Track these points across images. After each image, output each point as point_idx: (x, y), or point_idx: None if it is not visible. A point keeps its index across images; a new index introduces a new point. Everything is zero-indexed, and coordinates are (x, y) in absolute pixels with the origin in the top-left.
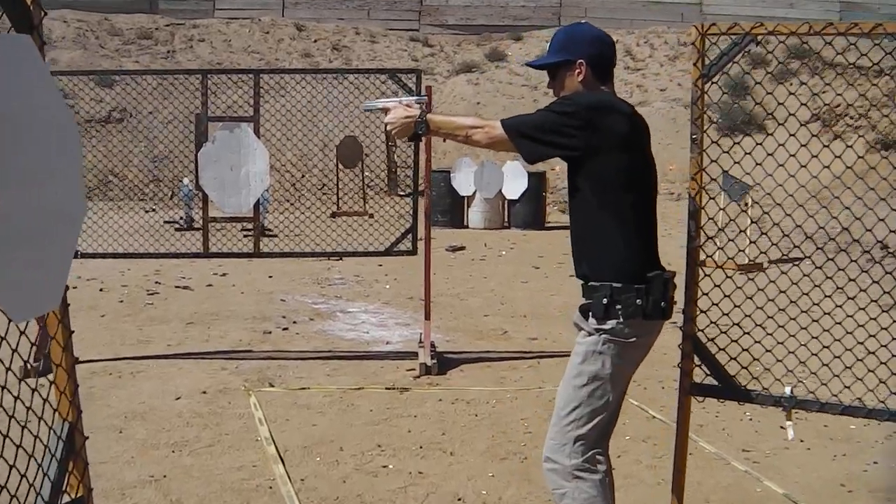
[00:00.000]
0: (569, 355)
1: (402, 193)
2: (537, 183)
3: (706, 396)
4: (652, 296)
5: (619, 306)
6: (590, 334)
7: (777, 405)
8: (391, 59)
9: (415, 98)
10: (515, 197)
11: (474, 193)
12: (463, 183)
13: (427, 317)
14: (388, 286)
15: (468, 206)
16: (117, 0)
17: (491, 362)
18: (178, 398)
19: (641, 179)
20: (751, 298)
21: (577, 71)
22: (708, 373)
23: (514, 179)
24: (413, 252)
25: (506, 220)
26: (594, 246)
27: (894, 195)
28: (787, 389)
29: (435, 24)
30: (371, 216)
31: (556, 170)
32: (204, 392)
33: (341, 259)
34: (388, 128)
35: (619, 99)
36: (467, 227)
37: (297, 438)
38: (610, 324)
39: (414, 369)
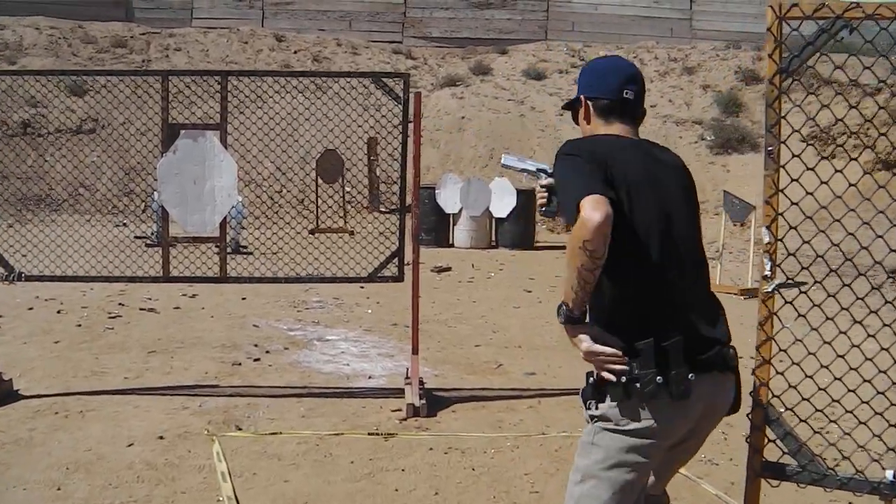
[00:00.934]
0: (571, 392)
1: (384, 210)
2: (526, 201)
3: (782, 480)
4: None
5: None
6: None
7: (875, 493)
8: (373, 71)
9: (544, 175)
10: (503, 215)
11: (460, 211)
12: (448, 200)
13: (415, 351)
14: (369, 310)
15: (454, 225)
16: (91, 7)
17: (486, 401)
18: (131, 444)
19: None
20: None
21: (582, 109)
22: (785, 450)
23: (502, 197)
24: (399, 278)
25: (493, 239)
26: None
27: None
28: (889, 473)
29: (418, 37)
30: (352, 233)
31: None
32: (161, 437)
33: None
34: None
35: (618, 139)
36: (453, 246)
37: (266, 499)
38: (602, 408)
39: (400, 410)
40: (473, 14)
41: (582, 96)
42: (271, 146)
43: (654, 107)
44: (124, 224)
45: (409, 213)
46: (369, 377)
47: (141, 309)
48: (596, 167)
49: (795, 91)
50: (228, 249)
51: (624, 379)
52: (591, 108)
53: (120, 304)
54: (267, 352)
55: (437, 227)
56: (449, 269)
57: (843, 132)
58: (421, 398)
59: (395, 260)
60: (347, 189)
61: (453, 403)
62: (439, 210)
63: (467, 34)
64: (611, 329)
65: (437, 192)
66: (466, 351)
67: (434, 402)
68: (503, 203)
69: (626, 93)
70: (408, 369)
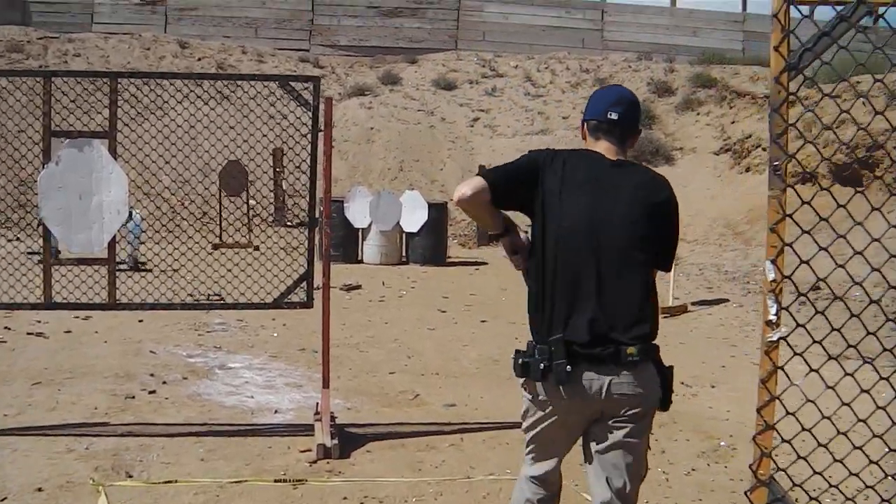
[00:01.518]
0: (495, 427)
1: (290, 224)
2: (438, 215)
3: None
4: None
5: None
6: None
7: None
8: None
9: None
10: (415, 230)
11: (370, 225)
12: (357, 214)
13: (325, 384)
14: (275, 333)
15: (363, 240)
16: None
17: (404, 438)
18: (4, 500)
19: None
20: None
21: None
22: None
23: (413, 211)
24: (308, 304)
25: (404, 254)
26: None
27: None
28: None
29: (326, 45)
30: (257, 248)
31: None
32: (40, 489)
33: (221, 299)
34: None
35: (584, 153)
36: (362, 261)
37: None
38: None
39: (310, 450)
40: (383, 22)
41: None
42: (173, 157)
43: (566, 118)
44: (18, 238)
45: (317, 228)
46: (276, 411)
47: (28, 333)
48: (523, 168)
49: (709, 103)
50: (126, 266)
51: (520, 361)
52: (585, 128)
53: (6, 327)
54: (164, 382)
55: (346, 243)
56: (359, 286)
57: (758, 145)
58: (333, 437)
59: (304, 283)
60: (252, 202)
61: (368, 441)
62: (348, 224)
63: (376, 43)
64: (530, 320)
65: (345, 205)
66: (380, 379)
67: (347, 441)
68: (414, 217)
69: (611, 114)
70: (318, 404)
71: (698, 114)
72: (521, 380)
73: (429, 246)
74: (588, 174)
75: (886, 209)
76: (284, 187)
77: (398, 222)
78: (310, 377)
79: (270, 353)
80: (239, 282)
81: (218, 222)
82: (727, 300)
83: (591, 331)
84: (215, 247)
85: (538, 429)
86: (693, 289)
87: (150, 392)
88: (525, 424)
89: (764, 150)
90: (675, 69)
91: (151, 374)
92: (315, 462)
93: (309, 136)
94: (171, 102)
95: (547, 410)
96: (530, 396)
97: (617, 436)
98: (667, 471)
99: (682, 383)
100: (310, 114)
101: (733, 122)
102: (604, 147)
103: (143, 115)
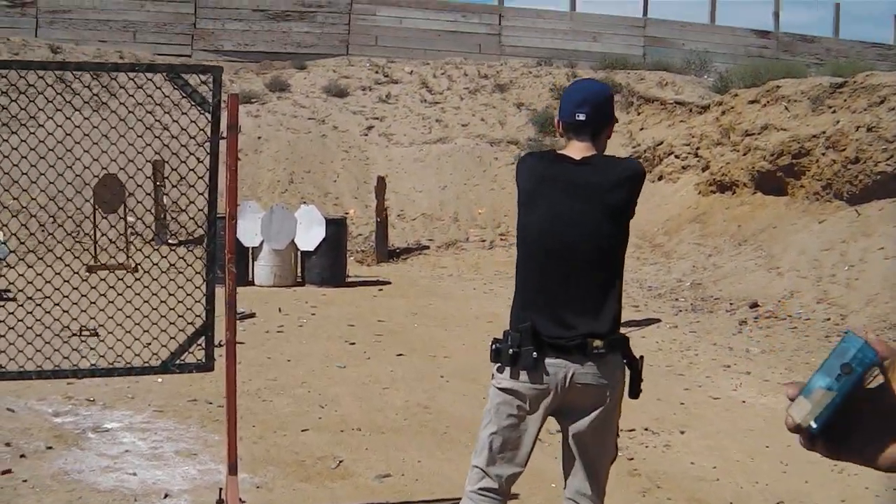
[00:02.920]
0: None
1: (171, 243)
2: (337, 231)
3: None
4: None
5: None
6: None
7: None
8: (160, 87)
9: None
10: (311, 248)
11: (261, 244)
12: (247, 231)
13: (232, 470)
14: (159, 378)
15: (253, 260)
16: None
17: None
18: None
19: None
20: None
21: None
22: None
23: (308, 227)
24: (208, 366)
25: (299, 275)
26: None
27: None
28: None
29: (209, 50)
30: (136, 269)
31: (352, 214)
32: None
33: (96, 333)
34: None
35: (552, 154)
36: (253, 283)
37: None
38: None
39: None
40: (270, 26)
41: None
42: (44, 172)
43: (465, 126)
44: None
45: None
46: (165, 495)
47: None
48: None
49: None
50: None
51: (493, 347)
52: (560, 128)
53: None
54: (22, 456)
55: (235, 263)
56: (252, 315)
57: (670, 152)
58: None
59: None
60: (130, 219)
61: None
62: (237, 243)
63: (263, 48)
64: (512, 310)
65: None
66: (292, 440)
67: None
68: (310, 234)
69: (578, 115)
70: (221, 490)
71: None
72: (493, 370)
73: (326, 265)
74: (554, 174)
75: (815, 217)
76: (166, 203)
77: (293, 240)
78: (205, 441)
79: (155, 405)
80: (116, 308)
81: (93, 242)
82: (658, 320)
83: (558, 322)
84: (90, 269)
85: (500, 424)
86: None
87: (4, 472)
88: (485, 421)
89: (677, 157)
90: (577, 75)
91: (7, 444)
92: None
93: (201, 144)
94: (48, 112)
95: (510, 399)
96: (498, 384)
97: (583, 424)
98: None
99: (647, 429)
100: (207, 115)
101: (642, 129)
102: (575, 147)
103: (8, 127)
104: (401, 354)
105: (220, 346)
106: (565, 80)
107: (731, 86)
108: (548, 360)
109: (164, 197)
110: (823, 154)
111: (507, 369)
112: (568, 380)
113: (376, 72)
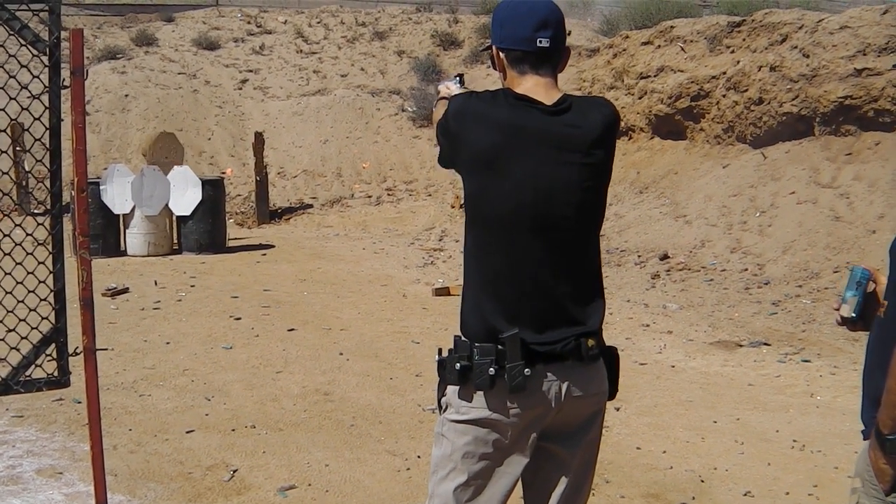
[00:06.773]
0: None
1: (36, 212)
2: (214, 193)
3: None
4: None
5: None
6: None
7: None
8: (12, 43)
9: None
10: (187, 212)
11: (132, 210)
12: (117, 197)
13: None
14: None
15: (125, 228)
16: None
17: None
18: None
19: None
20: None
21: (496, 59)
22: None
23: (183, 190)
24: (62, 382)
25: (175, 242)
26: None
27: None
28: None
29: (70, 3)
30: None
31: (229, 173)
32: None
33: None
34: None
35: (510, 95)
36: (125, 254)
37: None
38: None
39: None
40: None
41: (493, 46)
42: None
43: (345, 76)
44: None
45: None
46: None
47: None
48: (442, 139)
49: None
50: None
51: (458, 366)
52: (505, 60)
53: None
54: None
55: (105, 233)
56: (126, 290)
57: None
58: None
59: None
60: None
61: None
62: (106, 211)
63: (127, 0)
64: (474, 310)
65: (101, 188)
66: (175, 445)
67: None
68: (185, 198)
69: (540, 41)
70: None
71: (489, 66)
72: (445, 395)
73: (204, 231)
74: (524, 125)
75: (718, 161)
76: (28, 168)
77: (167, 205)
78: (73, 453)
79: (14, 409)
80: None
81: None
82: None
83: (546, 323)
84: None
85: (471, 471)
86: None
87: None
88: (443, 472)
89: None
90: (459, 20)
91: None
92: None
93: (35, 96)
94: None
95: (484, 436)
96: (460, 415)
97: (574, 443)
98: None
99: None
100: (43, 58)
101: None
102: (535, 84)
103: None
104: (292, 329)
105: (76, 354)
106: (447, 25)
107: (619, 28)
108: (543, 376)
109: (24, 161)
110: (724, 96)
111: (480, 395)
112: (563, 395)
113: (248, 22)
